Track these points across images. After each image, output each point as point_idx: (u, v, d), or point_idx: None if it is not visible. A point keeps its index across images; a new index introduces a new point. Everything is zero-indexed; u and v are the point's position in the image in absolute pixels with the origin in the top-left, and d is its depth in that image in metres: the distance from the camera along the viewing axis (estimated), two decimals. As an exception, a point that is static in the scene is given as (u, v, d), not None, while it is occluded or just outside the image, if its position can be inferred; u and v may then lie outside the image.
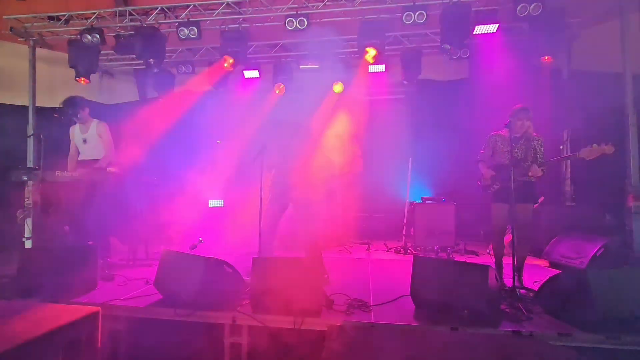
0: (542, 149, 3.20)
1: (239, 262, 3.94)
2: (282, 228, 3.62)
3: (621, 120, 4.44)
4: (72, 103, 3.87)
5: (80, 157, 4.04)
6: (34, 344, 1.83)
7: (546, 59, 4.85)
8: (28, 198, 5.18)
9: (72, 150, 4.09)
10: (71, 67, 5.52)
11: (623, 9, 4.46)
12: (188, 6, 5.13)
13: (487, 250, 4.84)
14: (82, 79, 5.62)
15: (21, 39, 5.60)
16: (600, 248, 3.69)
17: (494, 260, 3.42)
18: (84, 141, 3.98)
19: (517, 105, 3.18)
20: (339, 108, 6.42)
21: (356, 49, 5.37)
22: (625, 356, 2.18)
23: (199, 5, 5.14)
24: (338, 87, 6.15)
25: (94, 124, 3.98)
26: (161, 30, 5.34)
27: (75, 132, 4.02)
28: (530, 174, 3.11)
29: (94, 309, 2.37)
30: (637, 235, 4.21)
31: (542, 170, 3.07)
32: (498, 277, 3.08)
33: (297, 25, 4.75)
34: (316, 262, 2.74)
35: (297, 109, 3.62)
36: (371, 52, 5.08)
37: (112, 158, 4.03)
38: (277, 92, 6.34)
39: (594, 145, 2.94)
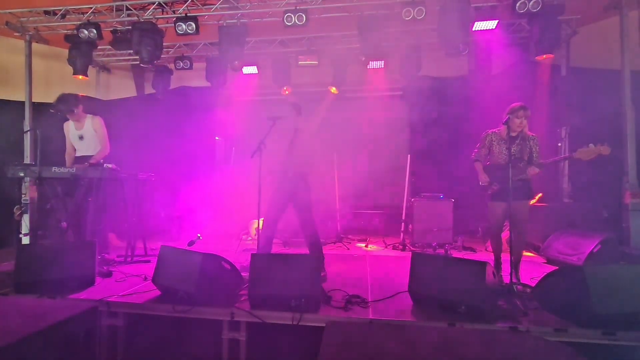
0: (538, 147, 3.19)
1: (237, 258, 3.96)
2: (281, 225, 3.62)
3: (619, 117, 4.45)
4: (65, 101, 3.83)
5: (78, 154, 4.02)
6: (32, 340, 1.83)
7: (544, 57, 4.81)
8: (25, 194, 5.17)
9: (68, 146, 4.06)
10: (71, 64, 5.48)
11: (622, 6, 4.45)
12: (186, 1, 5.10)
13: (485, 247, 4.87)
14: (80, 76, 5.59)
15: (17, 34, 5.55)
16: (597, 245, 3.71)
17: (492, 257, 3.43)
18: (80, 138, 3.95)
19: (516, 103, 3.15)
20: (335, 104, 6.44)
21: (355, 45, 5.36)
22: (621, 352, 2.20)
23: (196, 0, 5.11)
24: (334, 89, 6.07)
25: (88, 120, 3.94)
26: (158, 26, 5.29)
27: (70, 128, 3.98)
28: (529, 173, 3.11)
29: (92, 305, 2.37)
30: (634, 232, 4.24)
31: (539, 169, 3.08)
32: (497, 274, 3.10)
33: (296, 20, 4.72)
34: (317, 260, 2.75)
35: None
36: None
37: (108, 152, 4.01)
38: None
39: (590, 145, 2.92)
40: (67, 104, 3.81)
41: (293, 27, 4.81)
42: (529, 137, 3.19)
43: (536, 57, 4.79)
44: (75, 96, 3.96)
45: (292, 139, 3.40)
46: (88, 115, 3.97)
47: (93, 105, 6.15)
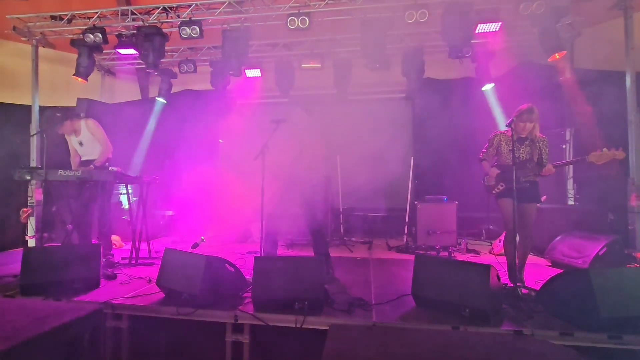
0: (547, 149, 3.15)
1: (241, 261, 3.97)
2: (286, 227, 3.63)
3: (623, 119, 4.42)
4: (48, 119, 3.81)
5: (83, 158, 4.06)
6: (37, 342, 1.84)
7: (557, 56, 4.73)
8: (31, 197, 5.23)
9: (71, 151, 4.10)
10: (78, 68, 5.55)
11: (626, 7, 4.43)
12: (190, 5, 5.14)
13: (489, 249, 4.85)
14: (79, 79, 5.62)
15: (24, 39, 5.62)
16: (602, 247, 3.67)
17: (501, 260, 3.36)
18: (81, 144, 3.99)
19: (523, 105, 3.08)
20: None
21: (358, 48, 5.37)
22: (627, 356, 2.18)
23: (200, 4, 5.15)
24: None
25: (82, 125, 3.95)
26: (163, 30, 5.34)
27: (71, 136, 4.02)
28: (544, 173, 3.04)
29: (97, 307, 2.39)
30: (640, 235, 4.20)
31: (554, 168, 3.02)
32: (517, 278, 3.03)
33: (299, 24, 4.74)
34: (320, 263, 2.75)
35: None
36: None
37: (110, 152, 4.03)
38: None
39: (604, 149, 2.85)
40: (51, 123, 3.80)
41: (296, 31, 4.83)
42: (539, 139, 3.15)
43: (548, 59, 4.75)
44: (58, 116, 3.89)
45: (302, 141, 3.40)
46: (81, 120, 3.98)
47: (98, 109, 6.21)
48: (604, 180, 4.48)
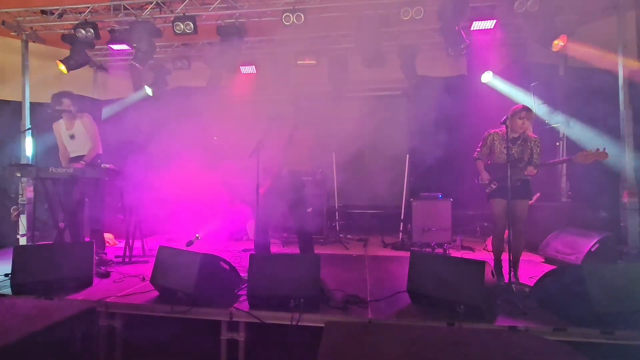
0: (538, 149, 3.22)
1: (236, 258, 3.96)
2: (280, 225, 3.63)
3: (616, 117, 4.46)
4: (59, 101, 3.76)
5: (72, 155, 3.99)
6: (30, 341, 1.82)
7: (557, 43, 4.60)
8: (22, 194, 5.15)
9: (60, 147, 4.01)
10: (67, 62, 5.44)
11: (619, 6, 4.46)
12: (184, 0, 5.08)
13: (484, 246, 4.88)
14: (62, 66, 5.49)
15: (14, 34, 5.51)
16: (595, 244, 3.72)
17: (492, 257, 3.43)
18: (72, 137, 3.91)
19: (518, 105, 3.20)
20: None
21: (353, 45, 5.35)
22: (619, 351, 2.21)
23: (194, -1, 5.09)
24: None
25: (77, 118, 3.92)
26: (156, 25, 5.28)
27: (61, 129, 3.93)
28: (526, 173, 3.15)
29: (90, 305, 2.36)
30: (632, 231, 4.25)
31: (536, 169, 3.11)
32: (496, 274, 3.09)
33: (294, 20, 4.71)
34: (316, 261, 2.75)
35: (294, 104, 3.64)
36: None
37: (100, 149, 3.98)
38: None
39: (589, 150, 2.99)
40: (63, 103, 3.77)
41: (291, 27, 4.80)
42: (531, 139, 3.22)
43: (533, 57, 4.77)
44: (70, 94, 3.89)
45: (290, 136, 3.39)
46: (77, 114, 3.94)
47: (91, 105, 6.13)
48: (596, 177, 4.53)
